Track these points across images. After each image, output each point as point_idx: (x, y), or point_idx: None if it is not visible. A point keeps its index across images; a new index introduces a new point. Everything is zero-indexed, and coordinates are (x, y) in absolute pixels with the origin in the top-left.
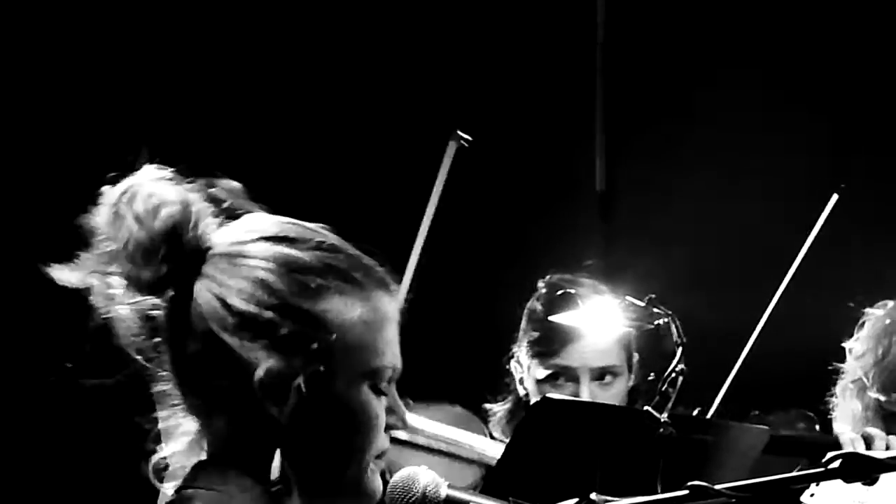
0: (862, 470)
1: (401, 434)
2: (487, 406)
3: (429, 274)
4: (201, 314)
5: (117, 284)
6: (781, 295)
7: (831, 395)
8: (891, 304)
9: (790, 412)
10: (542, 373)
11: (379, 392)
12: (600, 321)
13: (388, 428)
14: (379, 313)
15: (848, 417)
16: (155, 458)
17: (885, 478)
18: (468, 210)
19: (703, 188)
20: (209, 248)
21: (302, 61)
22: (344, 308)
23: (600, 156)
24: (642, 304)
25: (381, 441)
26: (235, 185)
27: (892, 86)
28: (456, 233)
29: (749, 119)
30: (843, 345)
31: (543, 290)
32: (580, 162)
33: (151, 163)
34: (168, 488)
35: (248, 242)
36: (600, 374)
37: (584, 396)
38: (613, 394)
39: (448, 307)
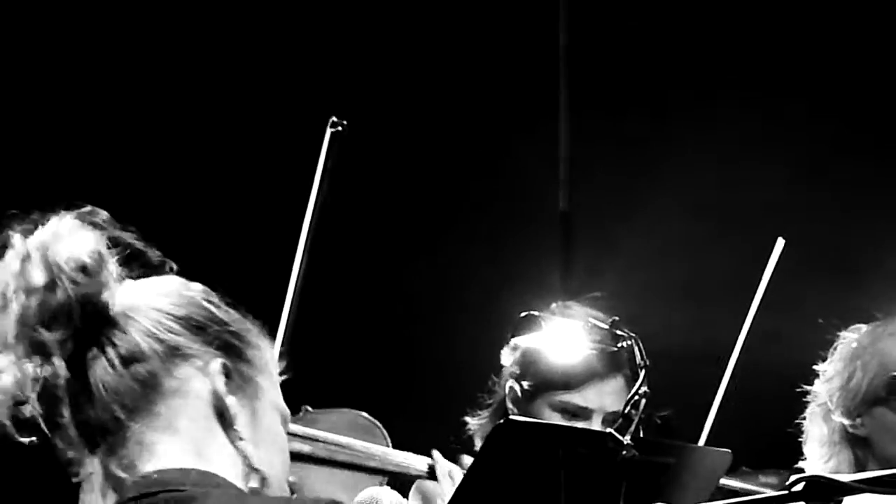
0: (825, 493)
1: (303, 447)
2: (467, 419)
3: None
4: (140, 329)
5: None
6: (753, 318)
7: (802, 419)
8: (863, 328)
9: (782, 473)
10: (553, 403)
11: None
12: (563, 343)
13: None
14: (274, 361)
15: (816, 441)
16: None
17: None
18: (424, 220)
19: (669, 208)
20: (126, 291)
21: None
22: (261, 342)
23: (564, 175)
24: (605, 326)
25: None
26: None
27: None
28: (411, 247)
29: (719, 137)
30: (816, 368)
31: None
32: (543, 180)
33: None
34: None
35: (168, 286)
36: (612, 418)
37: None
38: None
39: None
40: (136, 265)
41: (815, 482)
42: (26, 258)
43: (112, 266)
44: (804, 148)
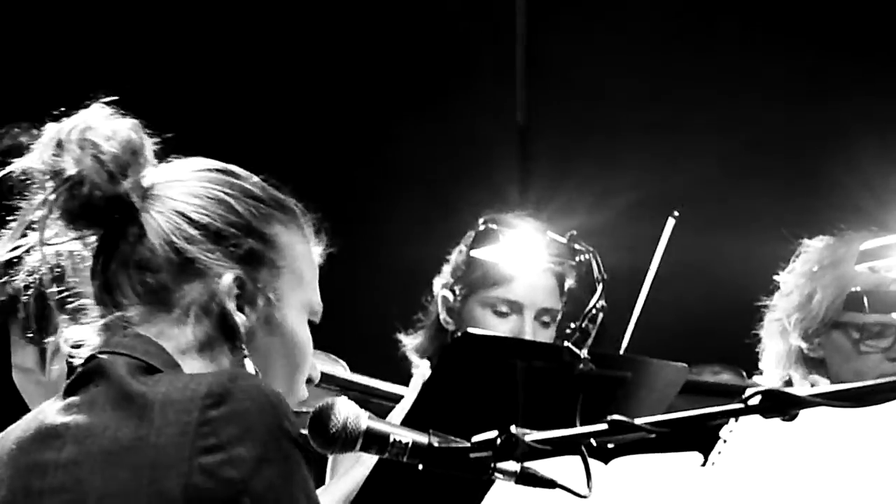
0: (781, 406)
1: None
2: (401, 337)
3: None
4: (159, 232)
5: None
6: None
7: (757, 332)
8: (826, 239)
9: (714, 365)
10: (485, 301)
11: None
12: (522, 257)
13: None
14: (311, 255)
15: (773, 357)
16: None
17: (805, 414)
18: (380, 131)
19: (627, 122)
20: (155, 179)
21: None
22: (289, 238)
23: (521, 88)
24: (563, 240)
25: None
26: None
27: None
28: (366, 159)
29: (677, 52)
30: (776, 277)
31: (480, 223)
32: (502, 94)
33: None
34: None
35: (199, 171)
36: (543, 314)
37: (528, 330)
38: (548, 336)
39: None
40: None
41: (771, 395)
42: (60, 144)
43: (146, 153)
44: (761, 59)
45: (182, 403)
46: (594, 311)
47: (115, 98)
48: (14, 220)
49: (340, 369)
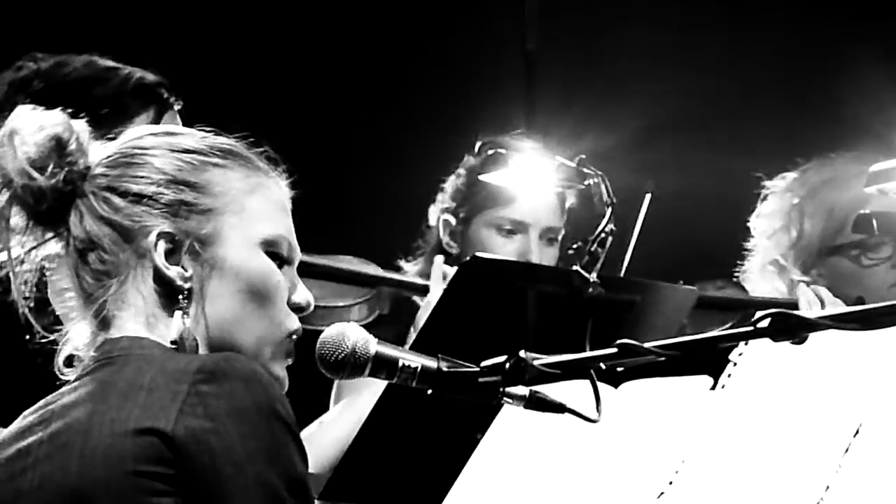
0: (791, 329)
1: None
2: (402, 264)
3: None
4: (92, 211)
5: (16, 229)
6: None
7: (738, 272)
8: (790, 175)
9: (717, 281)
10: (490, 222)
11: (278, 262)
12: (531, 180)
13: (295, 309)
14: (264, 188)
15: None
16: (62, 353)
17: (814, 337)
18: (384, 60)
19: (636, 50)
20: (93, 163)
21: None
22: (226, 179)
23: (530, 12)
24: (573, 164)
25: (288, 319)
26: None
27: None
28: (376, 88)
29: None
30: (748, 222)
31: (481, 147)
32: (509, 19)
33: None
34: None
35: (133, 140)
36: (547, 233)
37: (534, 249)
38: (553, 255)
39: (357, 164)
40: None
41: (781, 317)
42: (3, 136)
43: (77, 140)
44: None
45: (173, 375)
46: (603, 234)
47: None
48: None
49: (373, 268)
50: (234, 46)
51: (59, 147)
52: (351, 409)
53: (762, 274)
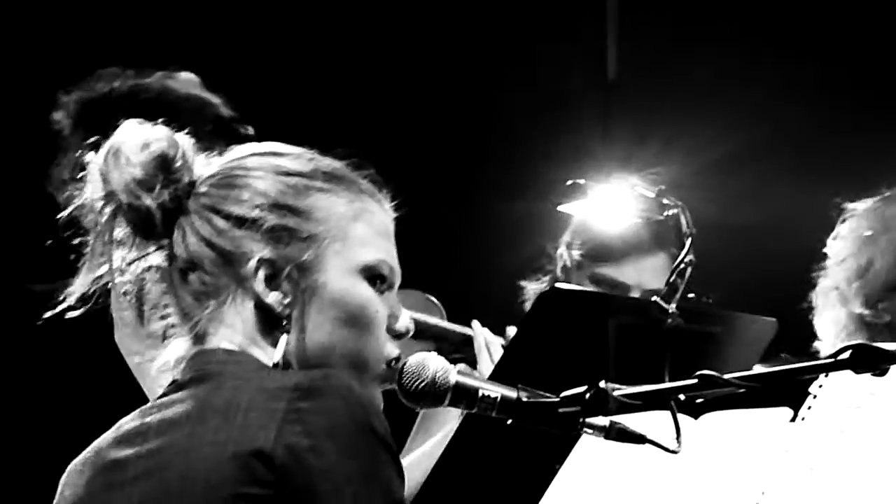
0: (872, 361)
1: None
2: (523, 283)
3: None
4: (195, 231)
5: (122, 241)
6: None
7: (810, 300)
8: (869, 202)
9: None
10: (592, 275)
11: (377, 289)
12: (609, 212)
13: (394, 335)
14: (368, 213)
15: (830, 325)
16: (155, 364)
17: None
18: (469, 88)
19: (718, 77)
20: (199, 177)
21: None
22: (330, 203)
23: (612, 42)
24: (652, 194)
25: (385, 342)
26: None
27: None
28: (455, 115)
29: (770, 8)
30: (827, 241)
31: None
32: (589, 49)
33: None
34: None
35: (237, 160)
36: (649, 294)
37: None
38: None
39: (434, 197)
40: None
41: (861, 349)
42: (100, 170)
43: (182, 157)
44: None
45: (271, 393)
46: (682, 265)
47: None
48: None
49: (437, 313)
50: (330, 70)
51: (164, 165)
52: (430, 443)
53: (826, 299)
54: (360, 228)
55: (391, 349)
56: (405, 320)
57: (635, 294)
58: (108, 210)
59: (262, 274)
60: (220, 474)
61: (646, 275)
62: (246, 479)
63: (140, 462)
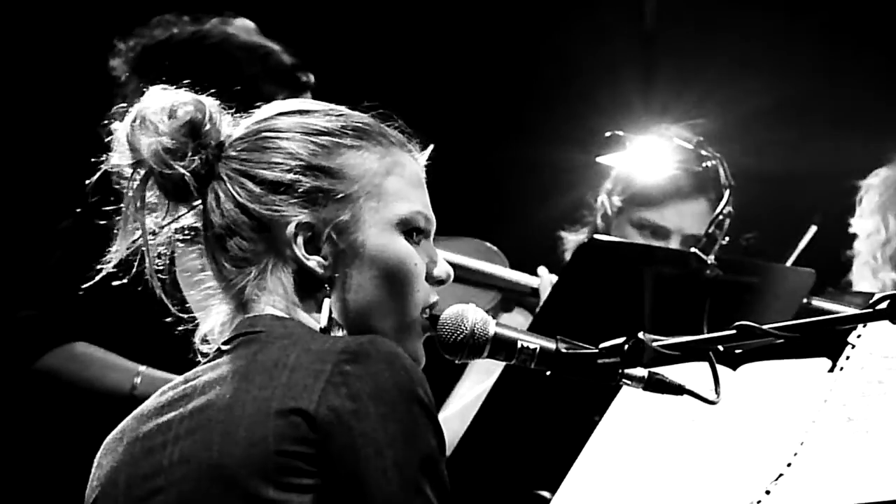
0: None
1: None
2: (562, 234)
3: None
4: (229, 196)
5: (154, 207)
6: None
7: (847, 251)
8: (882, 172)
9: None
10: (634, 220)
11: (413, 240)
12: (648, 162)
13: (433, 282)
14: (399, 166)
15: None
16: (199, 332)
17: None
18: (504, 41)
19: (757, 28)
20: (227, 138)
21: None
22: (362, 161)
23: None
24: (690, 146)
25: (426, 292)
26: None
27: None
28: (492, 66)
29: None
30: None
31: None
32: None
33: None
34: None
35: (265, 120)
36: (689, 240)
37: None
38: None
39: (474, 146)
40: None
41: None
42: (127, 137)
43: (211, 120)
44: None
45: (318, 354)
46: (721, 216)
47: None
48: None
49: (500, 262)
50: (377, 20)
51: (193, 131)
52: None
53: (861, 273)
54: (393, 182)
55: (430, 296)
56: (444, 267)
57: (675, 239)
58: (138, 177)
59: (301, 239)
60: (262, 430)
61: (687, 220)
62: (289, 437)
63: (183, 423)
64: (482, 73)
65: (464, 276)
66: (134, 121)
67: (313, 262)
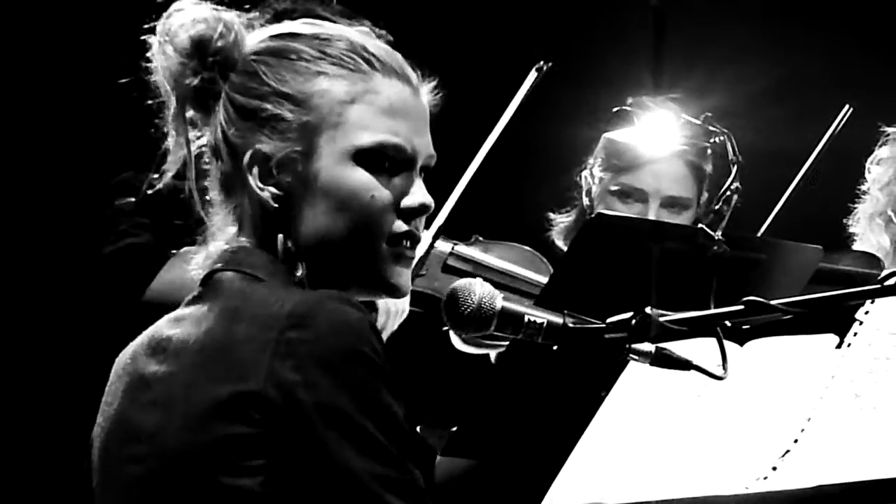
0: None
1: (466, 267)
2: (551, 216)
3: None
4: (218, 119)
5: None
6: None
7: (851, 221)
8: None
9: (854, 251)
10: (613, 187)
11: (381, 172)
12: (656, 138)
13: (407, 213)
14: (372, 94)
15: (874, 249)
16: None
17: None
18: (514, 17)
19: (766, 5)
20: (239, 57)
21: None
22: (328, 88)
23: None
24: (698, 122)
25: (390, 223)
26: None
27: None
28: (498, 41)
29: None
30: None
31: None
32: None
33: None
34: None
35: (258, 42)
36: (669, 203)
37: (652, 218)
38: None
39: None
40: None
41: None
42: (161, 34)
43: (227, 35)
44: None
45: (265, 320)
46: (728, 192)
47: None
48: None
49: (544, 270)
50: None
51: (199, 50)
52: None
53: (870, 224)
54: (356, 111)
55: (397, 227)
56: (417, 198)
57: (654, 201)
58: (174, 94)
59: (256, 169)
60: (215, 413)
61: (664, 181)
62: (237, 419)
63: (157, 386)
64: (487, 52)
65: (506, 282)
66: (159, 36)
67: (266, 193)
